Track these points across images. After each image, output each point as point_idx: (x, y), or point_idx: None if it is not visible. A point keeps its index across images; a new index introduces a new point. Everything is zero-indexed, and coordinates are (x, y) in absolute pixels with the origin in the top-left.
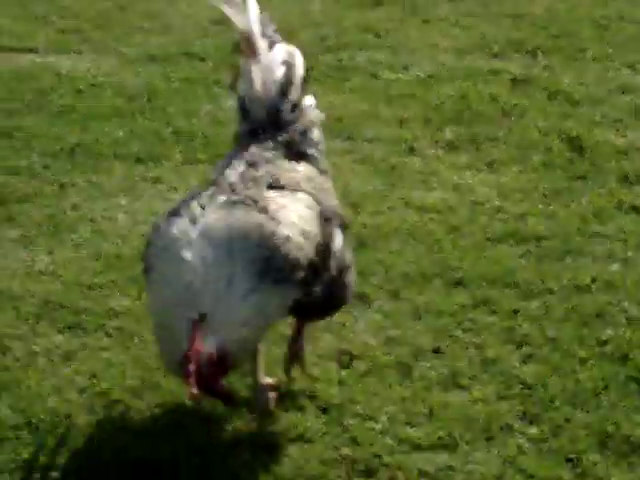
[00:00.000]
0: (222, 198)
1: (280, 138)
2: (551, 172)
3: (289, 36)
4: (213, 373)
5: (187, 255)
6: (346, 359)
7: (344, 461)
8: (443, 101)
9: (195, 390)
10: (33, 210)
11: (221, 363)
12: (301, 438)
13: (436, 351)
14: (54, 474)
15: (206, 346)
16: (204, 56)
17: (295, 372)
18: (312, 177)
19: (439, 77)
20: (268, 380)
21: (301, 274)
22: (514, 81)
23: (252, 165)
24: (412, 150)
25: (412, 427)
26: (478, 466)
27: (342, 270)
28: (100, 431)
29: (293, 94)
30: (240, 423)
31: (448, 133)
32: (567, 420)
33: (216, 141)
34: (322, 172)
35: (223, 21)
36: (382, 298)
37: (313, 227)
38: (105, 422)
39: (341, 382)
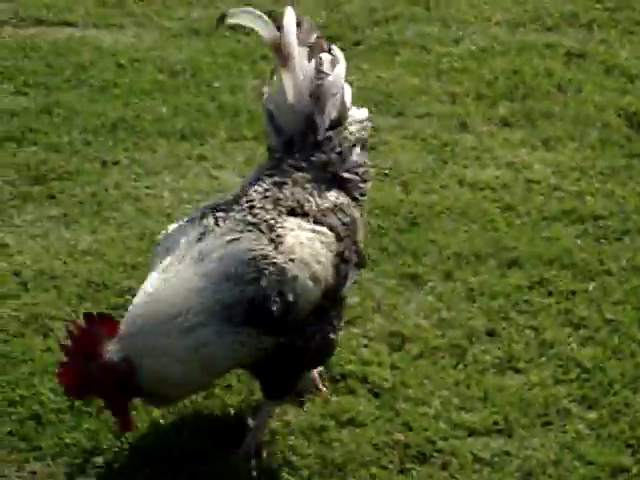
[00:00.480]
0: (237, 216)
1: (314, 158)
2: (608, 149)
3: (336, 9)
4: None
5: (165, 264)
6: (398, 342)
7: (396, 446)
8: (496, 76)
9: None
10: (75, 188)
11: (118, 376)
12: (352, 422)
13: (491, 334)
14: (97, 459)
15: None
16: (249, 30)
17: None
18: (343, 208)
19: (492, 51)
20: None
21: (291, 319)
22: (569, 55)
23: (277, 185)
24: (464, 126)
25: (466, 412)
26: (535, 452)
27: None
28: (146, 414)
29: (331, 108)
30: (291, 406)
31: (501, 109)
32: (627, 405)
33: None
34: (357, 200)
35: None
36: (435, 279)
37: (327, 271)
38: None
39: (393, 365)
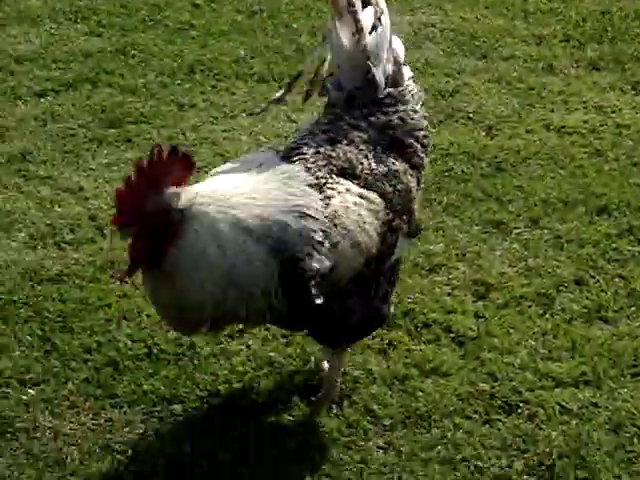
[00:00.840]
0: (287, 169)
1: (373, 118)
2: None
3: None
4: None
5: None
6: (482, 290)
7: (481, 396)
8: (584, 18)
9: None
10: (151, 131)
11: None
12: (436, 371)
13: (579, 282)
14: (175, 407)
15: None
16: None
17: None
18: (398, 175)
19: None
20: None
21: (326, 285)
22: None
23: (332, 142)
24: (551, 69)
25: (553, 362)
26: (624, 403)
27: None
28: (225, 362)
29: (386, 62)
30: (373, 355)
31: (590, 51)
32: None
33: None
34: (414, 167)
35: None
36: (521, 226)
37: (370, 239)
38: (230, 350)
39: (477, 314)
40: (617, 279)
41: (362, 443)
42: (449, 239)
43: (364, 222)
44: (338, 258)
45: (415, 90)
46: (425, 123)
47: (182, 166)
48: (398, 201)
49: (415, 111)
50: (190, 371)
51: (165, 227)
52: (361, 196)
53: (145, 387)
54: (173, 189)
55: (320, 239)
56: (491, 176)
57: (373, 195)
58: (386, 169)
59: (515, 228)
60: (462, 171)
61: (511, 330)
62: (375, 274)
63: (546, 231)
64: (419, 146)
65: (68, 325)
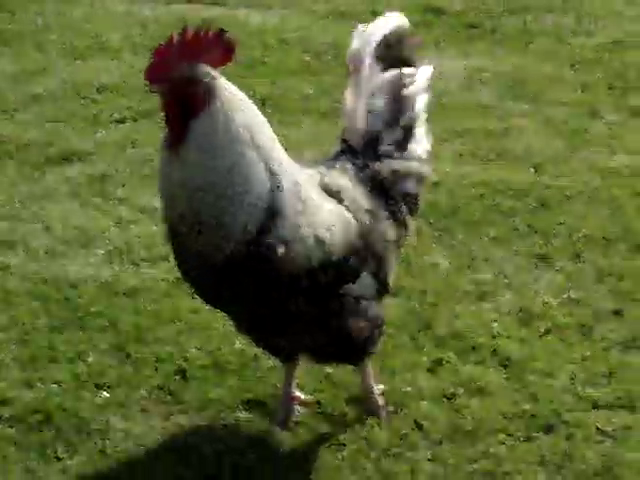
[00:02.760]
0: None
1: (370, 163)
2: None
3: None
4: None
5: None
6: (527, 317)
7: (524, 415)
8: (627, 67)
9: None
10: None
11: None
12: (482, 391)
13: (617, 313)
14: (241, 414)
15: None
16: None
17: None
18: (377, 217)
19: (624, 44)
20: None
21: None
22: None
23: (329, 167)
24: (595, 114)
25: (591, 386)
26: None
27: (351, 314)
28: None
29: (395, 129)
30: (422, 373)
31: (632, 99)
32: None
33: None
34: (397, 222)
35: None
36: (564, 259)
37: (333, 242)
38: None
39: (521, 339)
40: None
41: (411, 455)
42: (497, 269)
43: (332, 225)
44: (297, 238)
45: (421, 168)
46: (418, 192)
47: (223, 50)
48: (371, 239)
49: (413, 179)
50: (253, 382)
51: (189, 96)
52: (338, 209)
53: (211, 395)
54: (207, 66)
55: (288, 215)
56: (537, 212)
57: (349, 216)
58: (368, 206)
59: (559, 261)
60: (510, 206)
61: (553, 355)
62: (329, 290)
63: (588, 265)
64: (404, 207)
65: (141, 336)
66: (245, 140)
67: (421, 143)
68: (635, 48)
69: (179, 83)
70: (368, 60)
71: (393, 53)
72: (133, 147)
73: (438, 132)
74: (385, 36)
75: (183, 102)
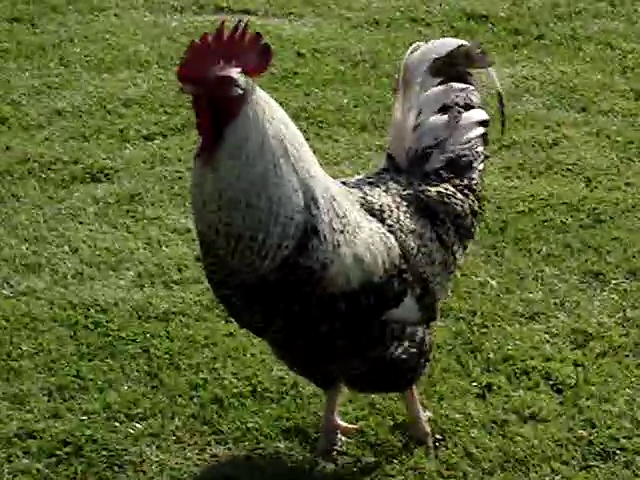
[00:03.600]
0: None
1: (415, 181)
2: None
3: (518, 2)
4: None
5: None
6: (581, 339)
7: (579, 443)
8: None
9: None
10: None
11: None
12: (534, 417)
13: None
14: (281, 444)
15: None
16: (429, 21)
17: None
18: (422, 237)
19: None
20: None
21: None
22: None
23: (371, 185)
24: None
25: None
26: None
27: (396, 343)
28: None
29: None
30: (473, 399)
31: None
32: None
33: None
34: (443, 245)
35: None
36: (619, 277)
37: (374, 263)
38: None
39: (576, 362)
40: None
41: None
42: (548, 288)
43: (372, 244)
44: (335, 258)
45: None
46: (472, 221)
47: (260, 55)
48: (416, 261)
49: (464, 201)
50: (293, 410)
51: (223, 100)
52: (379, 229)
53: (249, 424)
54: (242, 70)
55: (325, 233)
56: (590, 227)
57: (391, 237)
58: (412, 227)
59: (613, 279)
60: (561, 221)
61: (609, 379)
62: (370, 314)
63: None
64: (452, 228)
65: (175, 362)
66: (278, 150)
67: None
68: None
69: (214, 85)
70: (423, 73)
71: (454, 70)
72: (162, 164)
73: None
74: (449, 52)
75: (216, 106)
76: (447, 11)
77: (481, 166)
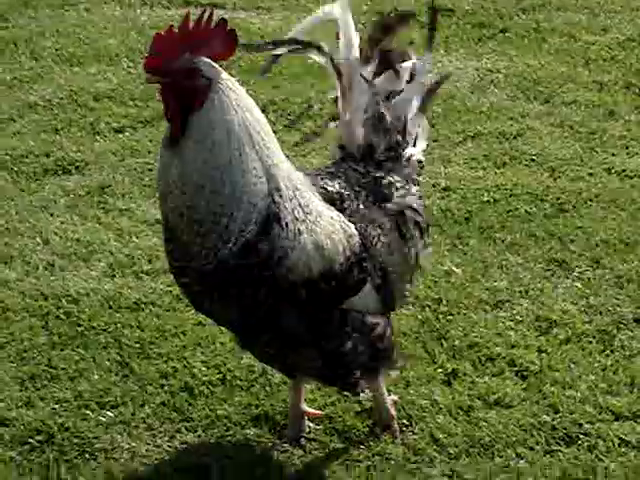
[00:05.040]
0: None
1: (371, 170)
2: None
3: None
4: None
5: None
6: (545, 326)
7: (543, 427)
8: None
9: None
10: None
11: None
12: (499, 403)
13: (638, 320)
14: (250, 431)
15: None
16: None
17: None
18: (382, 227)
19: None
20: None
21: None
22: None
23: (332, 176)
24: (612, 114)
25: (613, 396)
26: None
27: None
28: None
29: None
30: (438, 386)
31: None
32: None
33: None
34: (403, 237)
35: None
36: (582, 265)
37: (335, 250)
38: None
39: (540, 349)
40: None
41: (427, 470)
42: (513, 276)
43: (333, 232)
44: (296, 245)
45: (412, 174)
46: (421, 207)
47: (225, 41)
48: (375, 251)
49: (408, 189)
50: (262, 397)
51: (189, 89)
52: (340, 217)
53: (219, 412)
54: (208, 59)
55: (287, 221)
56: (554, 216)
57: (352, 225)
58: (372, 217)
59: (577, 267)
60: (525, 211)
61: (572, 365)
62: (331, 302)
63: (607, 270)
64: (411, 222)
65: (145, 351)
66: (244, 137)
67: (418, 144)
68: None
69: (179, 75)
70: (356, 68)
71: (378, 50)
72: (132, 156)
73: (450, 135)
74: (369, 36)
75: (183, 95)
76: (413, 4)
77: (418, 149)
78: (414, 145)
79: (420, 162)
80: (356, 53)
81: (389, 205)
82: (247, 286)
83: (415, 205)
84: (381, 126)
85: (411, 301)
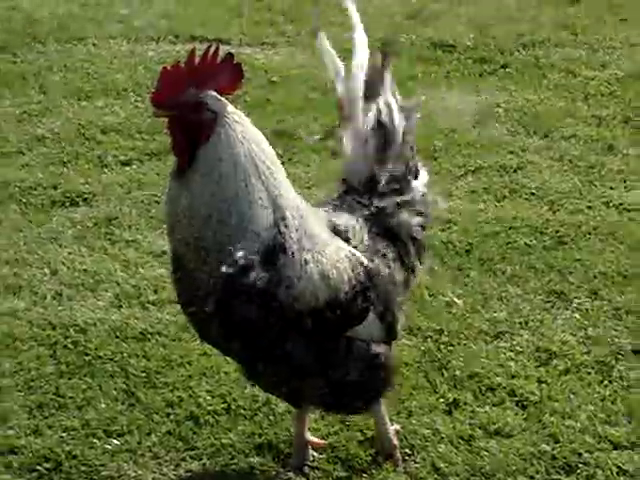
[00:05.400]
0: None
1: (376, 201)
2: None
3: (484, 32)
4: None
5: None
6: (544, 356)
7: (543, 457)
8: None
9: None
10: None
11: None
12: (500, 433)
13: (636, 352)
14: (255, 460)
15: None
16: (398, 51)
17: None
18: (386, 258)
19: (638, 76)
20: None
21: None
22: None
23: (336, 208)
24: (611, 149)
25: (612, 426)
26: None
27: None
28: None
29: (390, 163)
30: (439, 415)
31: None
32: None
33: None
34: (404, 265)
35: (417, 15)
36: (581, 297)
37: (340, 281)
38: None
39: (540, 379)
40: None
41: None
42: (513, 308)
43: (338, 261)
44: (303, 275)
45: (416, 205)
46: (422, 235)
47: (231, 75)
48: (379, 280)
49: (415, 215)
50: (266, 426)
51: (196, 123)
52: (345, 247)
53: (224, 441)
54: (214, 93)
55: (293, 250)
56: (553, 249)
57: (357, 254)
58: (376, 248)
59: (576, 299)
60: (525, 243)
61: (572, 395)
62: (337, 331)
63: (605, 302)
64: (413, 250)
65: (151, 380)
66: (250, 168)
67: (420, 176)
68: None
69: (186, 109)
70: (360, 104)
71: (376, 88)
72: (139, 189)
73: (451, 169)
74: (367, 75)
75: (189, 128)
76: (414, 40)
77: (420, 181)
78: (415, 177)
79: (423, 194)
80: (356, 85)
81: (393, 235)
82: (253, 315)
83: (418, 236)
84: (382, 157)
85: (413, 332)
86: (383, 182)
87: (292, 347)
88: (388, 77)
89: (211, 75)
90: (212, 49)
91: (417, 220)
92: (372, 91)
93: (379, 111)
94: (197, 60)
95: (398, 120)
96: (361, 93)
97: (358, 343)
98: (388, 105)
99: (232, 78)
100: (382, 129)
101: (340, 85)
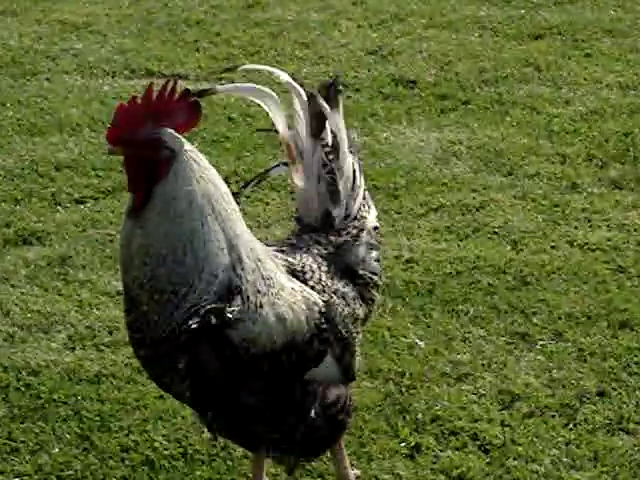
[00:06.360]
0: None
1: (333, 238)
2: None
3: (446, 68)
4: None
5: None
6: (508, 399)
7: None
8: (607, 138)
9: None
10: None
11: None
12: (462, 477)
13: (601, 394)
14: None
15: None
16: (359, 87)
17: None
18: (346, 297)
19: (602, 113)
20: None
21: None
22: None
23: (293, 247)
24: (575, 187)
25: (577, 471)
26: None
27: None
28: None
29: (344, 199)
30: (400, 459)
31: (612, 171)
32: None
33: (371, 173)
34: (365, 301)
35: (378, 51)
36: (545, 338)
37: (297, 323)
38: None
39: (503, 423)
40: (638, 392)
41: None
42: (475, 349)
43: (295, 303)
44: (258, 318)
45: (371, 240)
46: (379, 269)
47: (189, 112)
48: (337, 321)
49: (369, 254)
50: (223, 472)
51: (152, 160)
52: (302, 288)
53: None
54: (171, 130)
55: (249, 294)
56: (516, 289)
57: (314, 295)
58: (334, 287)
59: (540, 340)
60: (488, 283)
61: (535, 439)
62: (293, 374)
63: (570, 344)
64: (372, 283)
65: (106, 424)
66: (206, 208)
67: (371, 210)
68: (614, 117)
69: (142, 146)
70: (305, 141)
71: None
72: (94, 227)
73: (412, 208)
74: (316, 111)
75: (145, 166)
76: (375, 76)
77: (372, 214)
78: (368, 211)
79: (376, 228)
80: (300, 123)
81: (352, 272)
82: (205, 358)
83: (377, 271)
84: (335, 194)
85: (374, 374)
86: (338, 219)
87: (247, 392)
88: (336, 113)
89: (168, 112)
90: (169, 85)
91: (374, 254)
92: (318, 129)
93: (328, 148)
94: (154, 96)
95: (348, 156)
96: (305, 132)
97: (315, 385)
98: (336, 142)
99: (190, 115)
100: (332, 166)
101: (282, 127)
